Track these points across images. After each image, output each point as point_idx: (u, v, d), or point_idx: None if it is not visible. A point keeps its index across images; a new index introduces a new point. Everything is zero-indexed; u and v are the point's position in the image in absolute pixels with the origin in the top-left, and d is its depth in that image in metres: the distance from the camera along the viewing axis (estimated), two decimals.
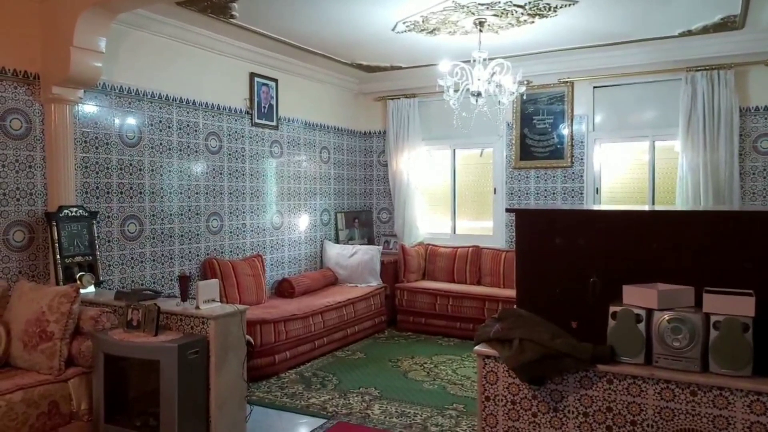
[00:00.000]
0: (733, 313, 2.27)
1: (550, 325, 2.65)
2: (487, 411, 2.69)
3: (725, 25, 5.11)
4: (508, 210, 3.21)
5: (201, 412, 3.43)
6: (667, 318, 2.37)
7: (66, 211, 4.19)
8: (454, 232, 7.44)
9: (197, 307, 3.54)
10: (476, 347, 2.75)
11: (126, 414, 3.57)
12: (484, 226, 7.26)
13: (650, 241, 2.63)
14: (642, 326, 2.42)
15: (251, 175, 5.99)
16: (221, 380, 3.50)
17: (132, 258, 4.78)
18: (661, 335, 2.37)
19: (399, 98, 7.37)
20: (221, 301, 5.06)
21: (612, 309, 2.49)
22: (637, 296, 2.46)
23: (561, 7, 4.62)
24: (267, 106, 6.13)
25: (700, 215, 2.86)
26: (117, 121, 4.68)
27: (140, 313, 3.50)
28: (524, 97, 6.52)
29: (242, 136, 5.86)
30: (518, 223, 2.97)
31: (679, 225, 2.67)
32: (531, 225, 2.95)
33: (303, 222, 6.78)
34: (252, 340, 4.69)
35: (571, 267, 2.75)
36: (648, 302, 2.41)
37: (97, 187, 4.53)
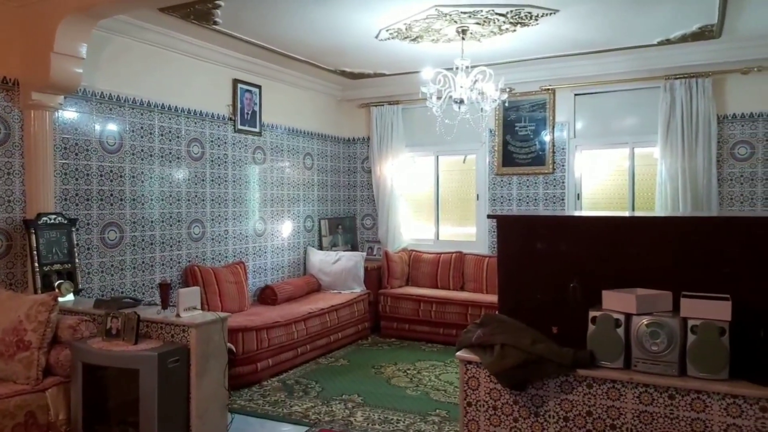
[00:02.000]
0: (710, 317, 2.31)
1: (531, 331, 2.67)
2: (469, 417, 2.70)
3: (703, 34, 5.20)
4: (489, 216, 3.23)
5: (181, 421, 3.39)
6: (645, 322, 2.40)
7: (45, 218, 4.14)
8: (438, 238, 7.46)
9: (178, 315, 3.52)
10: (458, 353, 2.76)
11: (105, 424, 3.53)
12: (467, 232, 7.29)
13: (629, 247, 2.67)
14: (621, 331, 2.44)
15: (234, 181, 5.96)
16: (202, 389, 3.47)
17: (112, 265, 4.73)
18: (639, 340, 2.40)
19: (383, 105, 7.39)
20: (202, 309, 5.05)
21: (591, 314, 2.52)
22: (616, 301, 2.49)
23: (542, 16, 4.67)
24: (250, 112, 6.12)
25: (678, 221, 2.91)
26: (97, 127, 4.63)
27: (120, 322, 3.46)
28: (506, 105, 6.55)
29: (225, 143, 5.84)
30: (500, 229, 3.00)
31: (657, 230, 2.71)
32: (512, 231, 2.97)
33: (286, 228, 6.75)
34: (233, 348, 4.66)
35: (552, 272, 2.78)
36: (627, 307, 2.44)
37: (77, 194, 4.48)
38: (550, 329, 2.71)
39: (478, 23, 4.83)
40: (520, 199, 6.79)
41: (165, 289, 3.73)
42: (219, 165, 5.77)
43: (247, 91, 6.05)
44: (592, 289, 2.61)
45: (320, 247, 7.25)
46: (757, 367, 2.28)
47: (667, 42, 5.44)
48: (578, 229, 2.87)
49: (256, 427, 4.19)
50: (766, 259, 2.40)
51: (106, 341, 3.47)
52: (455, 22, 4.79)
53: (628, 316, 2.44)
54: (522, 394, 2.58)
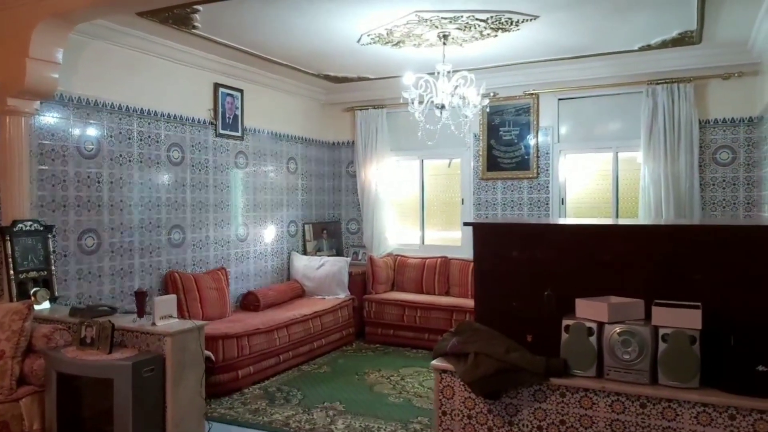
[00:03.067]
0: (681, 325, 2.31)
1: (505, 339, 2.66)
2: (444, 426, 2.69)
3: (683, 39, 5.22)
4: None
5: (157, 430, 3.35)
6: (617, 331, 2.39)
7: (20, 225, 4.09)
8: (423, 243, 7.44)
9: (154, 324, 3.48)
10: (433, 361, 2.75)
11: None
12: (453, 237, 7.29)
13: (604, 255, 2.66)
14: (594, 339, 2.44)
15: (215, 186, 5.91)
16: (178, 398, 3.43)
17: (90, 272, 4.68)
18: (611, 348, 2.40)
19: (367, 109, 7.38)
20: (184, 316, 5.01)
21: (565, 322, 2.51)
22: (589, 309, 2.48)
23: (523, 22, 4.67)
24: (232, 116, 6.08)
25: (651, 229, 2.91)
26: (75, 132, 4.58)
27: (94, 330, 3.42)
28: (488, 110, 6.56)
29: (206, 147, 5.80)
30: (476, 236, 2.99)
31: (631, 238, 2.71)
32: (488, 239, 2.97)
33: (269, 234, 6.71)
34: (212, 356, 4.62)
35: (527, 280, 2.77)
36: (599, 315, 2.44)
37: (54, 201, 4.43)
38: (525, 337, 2.70)
39: (459, 28, 4.83)
40: (504, 204, 6.79)
41: (141, 297, 3.69)
42: (200, 170, 5.73)
43: (229, 95, 6.02)
44: (568, 297, 2.60)
45: (304, 252, 7.22)
46: (728, 375, 2.28)
47: (648, 48, 5.46)
48: (553, 237, 2.87)
49: None
50: (737, 266, 2.40)
51: (80, 350, 3.42)
52: (436, 27, 4.78)
53: (601, 325, 2.43)
54: (496, 403, 2.57)
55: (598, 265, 2.66)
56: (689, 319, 2.29)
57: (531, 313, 2.73)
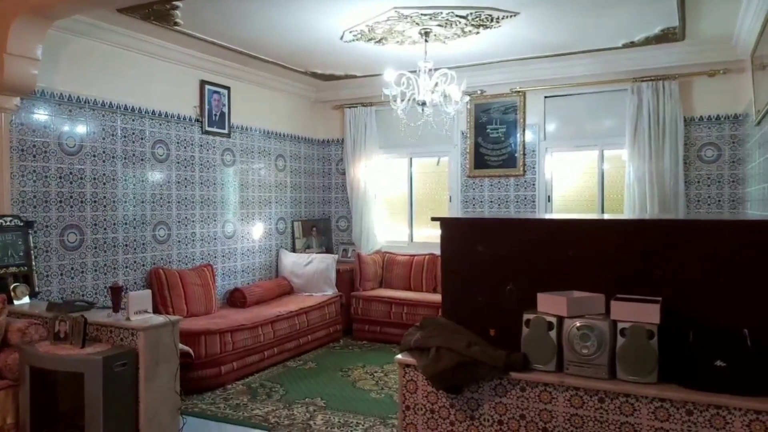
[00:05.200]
0: (639, 320, 2.30)
1: (468, 333, 2.66)
2: (407, 420, 2.69)
3: (666, 36, 5.21)
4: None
5: (129, 425, 3.36)
6: (576, 325, 2.39)
7: (0, 220, 4.10)
8: (412, 240, 7.44)
9: (128, 319, 3.49)
10: (397, 356, 2.75)
11: (53, 428, 3.49)
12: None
13: (568, 249, 2.65)
14: (553, 334, 2.44)
15: (201, 183, 5.92)
16: (151, 393, 3.44)
17: (72, 268, 4.69)
18: (570, 342, 2.40)
19: (356, 106, 7.38)
20: (168, 312, 5.02)
21: (525, 316, 2.51)
22: (549, 304, 2.48)
23: (503, 18, 4.67)
24: (218, 113, 6.08)
25: (613, 223, 2.90)
26: (57, 128, 4.59)
27: (68, 325, 3.43)
28: (468, 107, 6.55)
29: (192, 144, 5.80)
30: (443, 231, 2.99)
31: (594, 233, 2.70)
32: (454, 234, 2.97)
33: (257, 231, 6.72)
34: (191, 351, 4.63)
35: (492, 275, 2.77)
36: (559, 310, 2.43)
37: (35, 196, 4.45)
38: (488, 332, 2.70)
39: (440, 25, 4.82)
40: (491, 201, 6.79)
41: (116, 292, 3.70)
42: (185, 167, 5.73)
43: (215, 92, 6.02)
44: (533, 291, 2.59)
45: (293, 250, 7.22)
46: (686, 370, 2.27)
47: (632, 45, 5.45)
48: (518, 231, 2.86)
49: (213, 431, 4.16)
50: (697, 262, 2.39)
51: (53, 345, 3.43)
52: (417, 24, 4.78)
53: (561, 319, 2.43)
54: (458, 398, 2.57)
55: (563, 259, 2.65)
56: (647, 313, 2.29)
57: (495, 308, 2.72)
